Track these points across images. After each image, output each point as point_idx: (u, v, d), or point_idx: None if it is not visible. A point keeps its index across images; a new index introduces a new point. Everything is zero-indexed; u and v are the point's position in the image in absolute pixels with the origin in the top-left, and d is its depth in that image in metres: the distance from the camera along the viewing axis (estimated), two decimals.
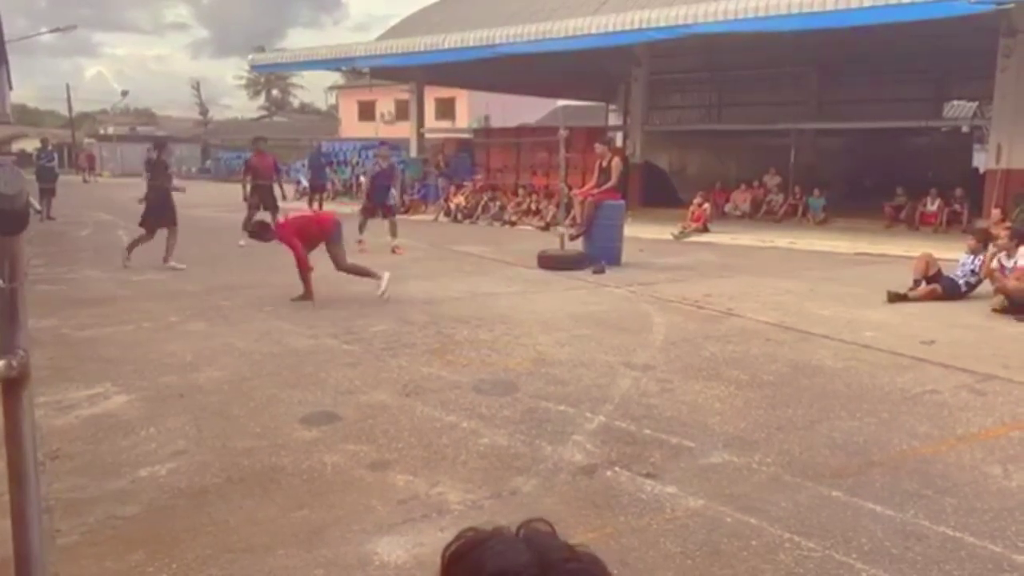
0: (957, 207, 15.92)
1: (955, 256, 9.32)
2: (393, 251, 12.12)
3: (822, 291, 9.18)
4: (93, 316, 7.50)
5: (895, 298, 8.35)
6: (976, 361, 6.03)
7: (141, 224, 10.94)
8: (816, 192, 17.78)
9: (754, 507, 3.52)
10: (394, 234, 12.54)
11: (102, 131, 52.65)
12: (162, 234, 10.70)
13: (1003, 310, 7.78)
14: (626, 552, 3.14)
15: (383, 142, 16.98)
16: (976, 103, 23.63)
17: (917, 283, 8.65)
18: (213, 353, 6.11)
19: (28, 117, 63.15)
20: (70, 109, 48.94)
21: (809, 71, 22.72)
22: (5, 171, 1.06)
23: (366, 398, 5.08)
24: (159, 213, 10.83)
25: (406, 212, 20.24)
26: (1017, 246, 8.06)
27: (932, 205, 16.30)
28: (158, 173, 11.31)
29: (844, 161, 22.17)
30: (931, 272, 8.70)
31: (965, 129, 23.17)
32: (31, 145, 37.36)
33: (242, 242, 11.63)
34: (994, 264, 8.18)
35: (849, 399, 5.09)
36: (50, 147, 20.59)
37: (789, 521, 3.39)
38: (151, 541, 3.21)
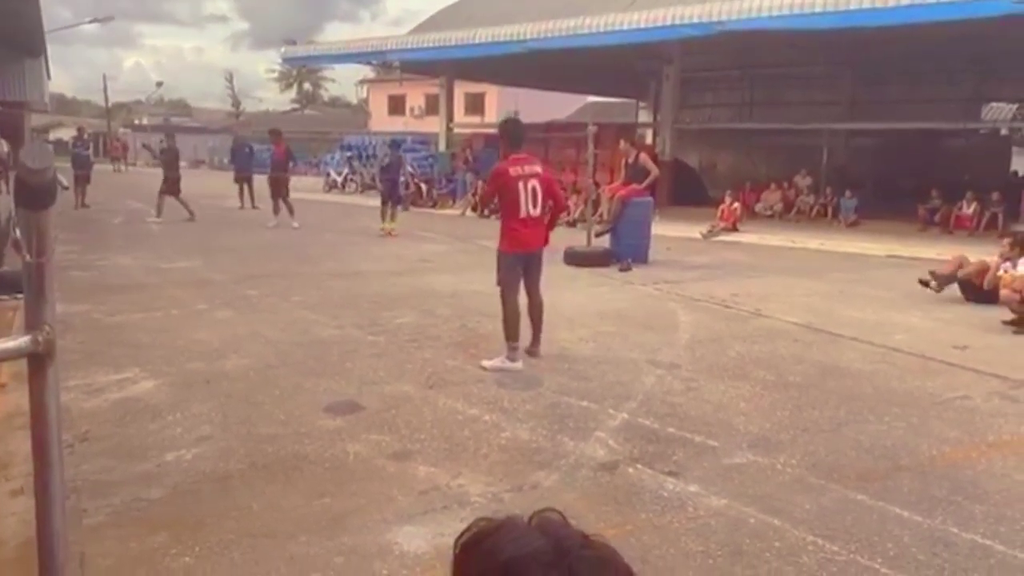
0: (994, 211, 15.62)
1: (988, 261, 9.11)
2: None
3: (851, 293, 9.04)
4: (123, 302, 7.61)
5: (936, 281, 8.26)
6: (1010, 368, 5.90)
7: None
8: (848, 193, 17.52)
9: (778, 508, 3.48)
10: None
11: (137, 121, 53.45)
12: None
13: (1010, 322, 7.35)
14: (647, 550, 3.11)
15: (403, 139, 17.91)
16: (1016, 105, 23.14)
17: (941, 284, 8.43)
18: (240, 341, 6.17)
19: (66, 106, 64.31)
20: (106, 99, 49.73)
21: (843, 70, 22.38)
22: (34, 147, 1.06)
23: (390, 389, 5.10)
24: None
25: (433, 206, 20.34)
26: (1020, 255, 7.67)
27: (968, 208, 16.01)
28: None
29: (877, 162, 21.82)
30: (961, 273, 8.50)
31: (1004, 131, 22.70)
32: (68, 134, 37.99)
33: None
34: (1000, 273, 7.86)
35: (877, 402, 5.01)
36: (86, 135, 20.93)
37: (813, 523, 3.34)
38: (175, 524, 3.25)
